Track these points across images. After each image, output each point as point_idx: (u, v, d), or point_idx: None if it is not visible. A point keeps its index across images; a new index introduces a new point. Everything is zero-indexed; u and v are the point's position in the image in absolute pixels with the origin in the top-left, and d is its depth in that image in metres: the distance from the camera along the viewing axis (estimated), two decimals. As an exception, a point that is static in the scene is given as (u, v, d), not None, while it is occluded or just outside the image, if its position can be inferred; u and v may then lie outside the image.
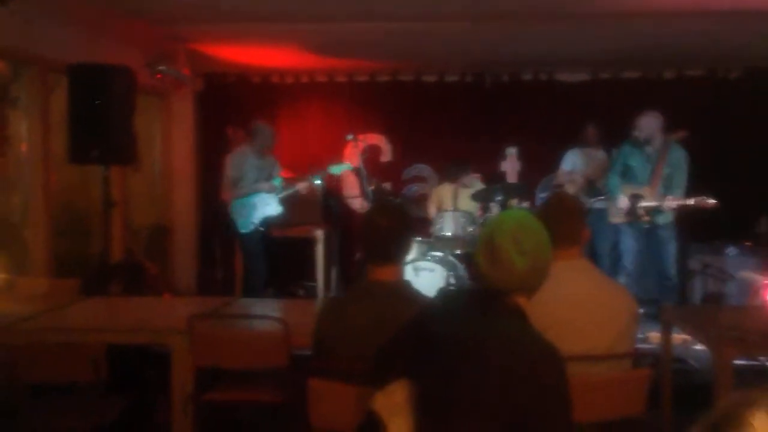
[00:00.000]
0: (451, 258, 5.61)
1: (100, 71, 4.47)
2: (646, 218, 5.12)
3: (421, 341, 1.72)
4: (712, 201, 4.83)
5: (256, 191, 5.68)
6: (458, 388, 1.60)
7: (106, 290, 4.39)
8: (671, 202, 4.96)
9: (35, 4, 4.56)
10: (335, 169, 5.90)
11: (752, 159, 6.52)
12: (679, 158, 5.16)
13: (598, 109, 6.42)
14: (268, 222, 5.73)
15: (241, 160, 5.75)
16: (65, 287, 4.01)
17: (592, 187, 6.01)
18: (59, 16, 4.90)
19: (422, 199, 7.06)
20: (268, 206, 5.71)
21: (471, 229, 5.64)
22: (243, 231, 5.67)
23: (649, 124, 5.14)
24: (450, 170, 6.21)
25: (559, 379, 1.61)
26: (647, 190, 5.15)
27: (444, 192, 6.23)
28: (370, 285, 2.30)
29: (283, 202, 5.78)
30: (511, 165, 7.12)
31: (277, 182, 5.80)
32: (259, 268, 5.72)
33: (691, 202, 4.94)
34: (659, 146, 5.17)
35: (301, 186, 5.78)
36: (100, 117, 4.41)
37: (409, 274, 5.41)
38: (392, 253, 2.29)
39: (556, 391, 1.59)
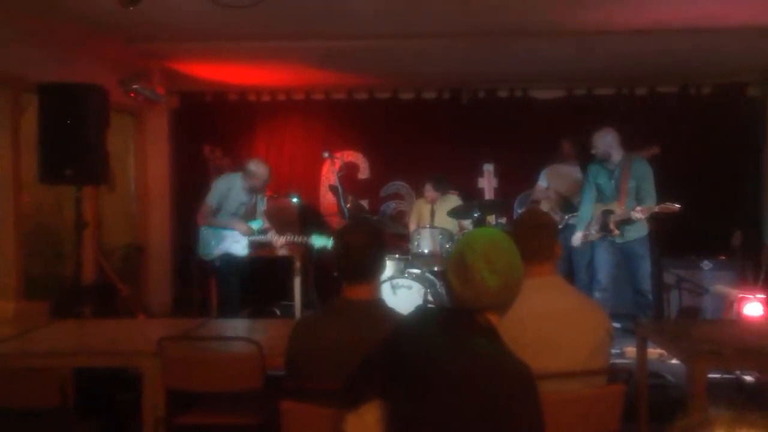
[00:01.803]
0: (428, 275, 5.60)
1: (72, 90, 4.42)
2: (617, 232, 5.16)
3: (393, 361, 1.70)
4: (676, 206, 4.87)
5: (231, 228, 5.37)
6: (430, 409, 1.58)
7: (76, 312, 4.30)
8: (638, 213, 5.00)
9: (6, 23, 4.51)
10: (317, 241, 5.45)
11: (725, 173, 6.62)
12: (642, 170, 5.21)
13: (573, 125, 6.48)
14: (228, 259, 5.37)
15: (224, 190, 5.40)
16: (34, 310, 3.92)
17: (567, 203, 6.05)
18: (30, 35, 4.85)
19: (400, 216, 7.07)
20: (236, 243, 5.37)
21: (448, 246, 5.63)
22: (204, 258, 5.46)
23: (601, 140, 5.19)
24: (440, 183, 6.16)
25: (531, 398, 1.59)
26: (616, 205, 5.19)
27: (422, 207, 6.24)
28: (343, 304, 2.28)
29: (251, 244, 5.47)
30: (488, 181, 7.14)
31: (256, 224, 5.48)
32: (230, 293, 5.44)
33: (656, 209, 4.99)
34: (621, 161, 5.21)
35: (278, 240, 5.46)
36: (72, 136, 4.34)
37: (386, 291, 5.40)
38: (365, 271, 2.27)
39: (528, 410, 1.58)
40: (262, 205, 5.70)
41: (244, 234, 5.39)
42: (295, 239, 5.52)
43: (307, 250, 5.78)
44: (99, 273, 5.71)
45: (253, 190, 5.41)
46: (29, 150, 4.79)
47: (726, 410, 0.92)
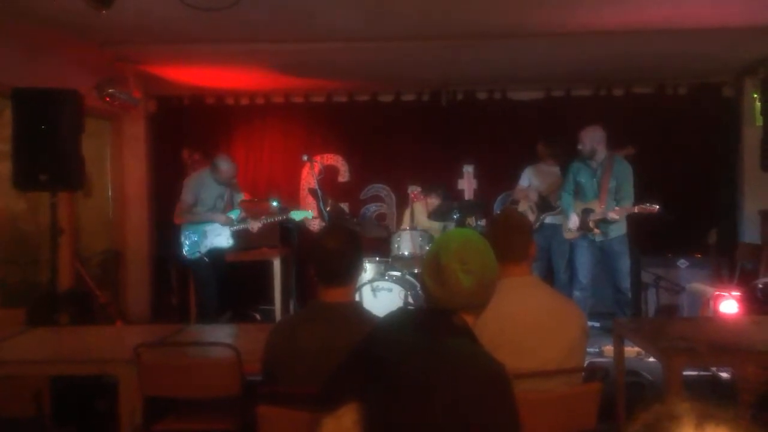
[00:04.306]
0: (409, 277, 5.61)
1: (47, 95, 4.39)
2: (597, 231, 5.21)
3: (369, 363, 1.70)
4: (655, 206, 4.94)
5: (210, 220, 5.53)
6: (407, 410, 1.58)
7: (53, 320, 4.24)
8: (614, 213, 5.05)
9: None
10: (296, 215, 5.65)
11: (700, 173, 6.71)
12: (623, 170, 5.28)
13: (552, 126, 6.53)
14: (215, 253, 5.54)
15: (197, 185, 5.58)
16: (9, 318, 3.86)
17: (545, 201, 6.08)
18: (4, 39, 4.78)
19: (381, 219, 7.07)
20: (218, 237, 5.54)
21: (428, 248, 5.64)
22: (189, 257, 5.53)
23: (590, 137, 5.25)
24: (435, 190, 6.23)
25: (507, 398, 1.59)
26: (596, 203, 5.24)
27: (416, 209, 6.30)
28: (320, 307, 2.28)
29: (236, 234, 5.63)
30: (468, 182, 7.17)
31: (234, 214, 5.62)
32: (209, 294, 5.52)
33: (635, 210, 5.04)
34: (604, 160, 5.27)
35: (254, 224, 5.66)
36: (46, 142, 4.31)
37: (367, 294, 5.40)
38: (342, 274, 2.27)
39: (504, 410, 1.58)
40: (239, 198, 5.83)
41: (224, 224, 5.55)
42: (275, 219, 5.67)
43: (287, 227, 5.89)
44: (76, 279, 5.64)
45: (219, 182, 5.59)
46: (3, 156, 4.73)
47: (692, 403, 0.89)
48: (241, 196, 5.84)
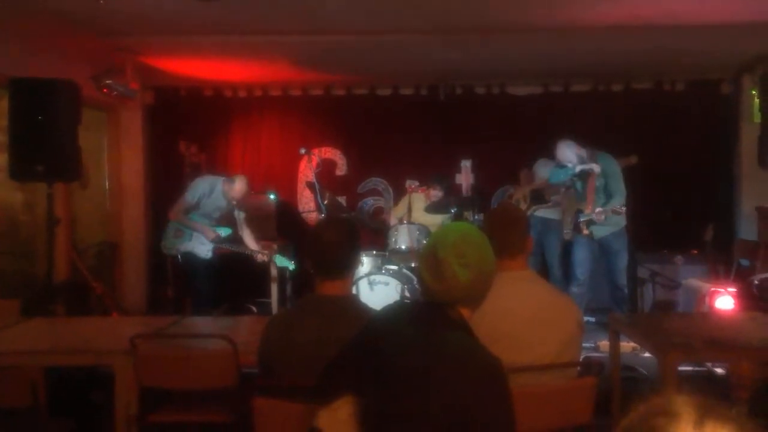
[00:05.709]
0: (405, 271, 5.61)
1: (44, 85, 4.36)
2: (586, 232, 5.21)
3: (365, 356, 1.70)
4: (622, 209, 5.02)
5: (200, 232, 5.38)
6: (402, 403, 1.58)
7: (49, 311, 4.23)
8: (598, 215, 5.05)
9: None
10: (279, 261, 5.60)
11: (698, 169, 6.71)
12: (608, 166, 5.25)
13: (550, 121, 6.52)
14: (188, 257, 5.38)
15: (207, 189, 5.42)
16: (5, 308, 3.85)
17: (538, 194, 6.07)
18: (1, 29, 4.76)
19: (378, 213, 7.07)
20: (200, 245, 5.38)
21: (425, 242, 5.64)
22: (164, 251, 5.43)
23: (565, 153, 5.26)
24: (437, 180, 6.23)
25: (502, 392, 1.60)
26: (585, 204, 5.23)
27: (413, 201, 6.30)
28: (317, 299, 2.28)
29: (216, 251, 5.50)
30: (465, 177, 7.17)
31: (224, 232, 5.50)
32: (205, 287, 5.43)
33: (610, 211, 5.05)
34: (585, 161, 5.24)
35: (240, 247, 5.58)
36: (43, 132, 4.29)
37: (364, 287, 5.40)
38: (339, 267, 2.27)
39: (499, 404, 1.58)
40: (241, 217, 5.67)
41: (211, 240, 5.41)
42: (262, 254, 5.56)
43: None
44: (72, 271, 5.63)
45: (226, 197, 5.46)
46: (-1, 146, 4.72)
47: (690, 398, 0.87)
48: (243, 216, 5.66)
